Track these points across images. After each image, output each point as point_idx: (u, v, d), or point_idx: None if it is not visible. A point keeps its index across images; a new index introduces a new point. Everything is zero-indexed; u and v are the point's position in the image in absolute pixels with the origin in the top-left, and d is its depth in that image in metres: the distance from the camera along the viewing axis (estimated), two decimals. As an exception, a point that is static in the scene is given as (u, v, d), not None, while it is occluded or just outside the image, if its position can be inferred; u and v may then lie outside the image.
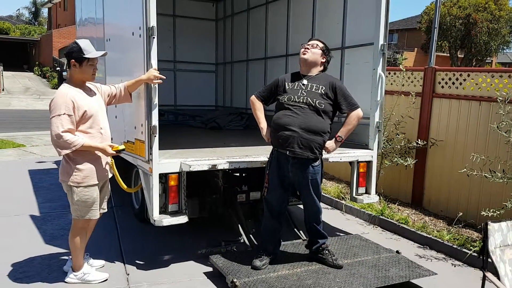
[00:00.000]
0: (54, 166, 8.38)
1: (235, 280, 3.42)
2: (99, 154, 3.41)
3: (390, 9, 4.63)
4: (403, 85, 6.17)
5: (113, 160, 3.65)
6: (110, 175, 3.63)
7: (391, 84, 6.38)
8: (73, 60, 3.32)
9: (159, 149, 3.78)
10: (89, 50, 3.31)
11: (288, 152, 3.57)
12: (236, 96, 8.19)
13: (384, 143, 5.73)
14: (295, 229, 4.65)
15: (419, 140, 5.78)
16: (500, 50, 30.13)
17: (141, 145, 3.84)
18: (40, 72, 32.76)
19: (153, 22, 3.58)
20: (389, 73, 6.40)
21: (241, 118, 7.45)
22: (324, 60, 3.79)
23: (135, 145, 4.01)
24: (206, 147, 4.77)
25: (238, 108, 7.91)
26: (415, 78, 6.09)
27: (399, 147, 5.95)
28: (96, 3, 5.25)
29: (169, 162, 3.81)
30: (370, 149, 4.73)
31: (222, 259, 3.85)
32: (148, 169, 3.80)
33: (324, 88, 3.64)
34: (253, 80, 7.57)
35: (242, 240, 4.36)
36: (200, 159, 3.92)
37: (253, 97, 3.91)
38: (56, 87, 26.72)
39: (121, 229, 5.00)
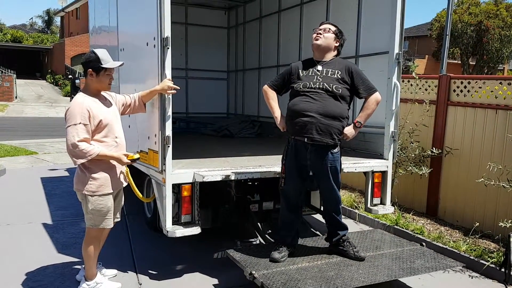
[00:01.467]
0: (66, 173, 8.42)
1: (253, 272, 3.33)
2: (114, 163, 3.41)
3: (405, 17, 4.60)
4: (416, 92, 6.10)
5: (128, 169, 3.64)
6: (124, 184, 3.62)
7: (405, 92, 6.31)
8: (91, 70, 3.33)
9: (172, 158, 3.77)
10: (107, 60, 3.32)
11: (306, 139, 3.46)
12: (248, 104, 8.17)
13: (398, 151, 5.66)
14: (312, 229, 4.56)
15: (434, 148, 5.70)
16: (513, 57, 29.81)
17: (154, 155, 3.83)
18: (52, 80, 33.15)
19: (167, 32, 3.58)
20: (403, 81, 6.33)
21: (253, 126, 7.43)
22: (337, 44, 3.69)
23: (148, 155, 4.00)
24: (219, 157, 4.75)
25: (250, 116, 7.89)
26: (429, 86, 6.02)
27: (413, 155, 5.87)
28: (110, 12, 5.28)
29: (182, 172, 3.79)
30: (385, 159, 4.66)
31: (239, 253, 3.76)
32: (161, 179, 3.79)
33: (340, 73, 3.55)
34: (265, 88, 7.53)
35: (257, 241, 4.30)
36: (214, 169, 3.89)
37: (265, 87, 3.82)
38: (68, 94, 27.01)
39: (133, 237, 4.99)
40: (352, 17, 5.42)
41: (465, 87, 5.52)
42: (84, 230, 3.55)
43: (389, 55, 4.70)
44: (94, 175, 3.31)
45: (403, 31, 4.61)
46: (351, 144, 5.26)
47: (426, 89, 6.05)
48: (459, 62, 28.76)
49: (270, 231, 4.34)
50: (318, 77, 3.54)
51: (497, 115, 5.05)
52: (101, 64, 3.29)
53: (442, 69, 18.98)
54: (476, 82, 5.39)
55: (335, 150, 3.54)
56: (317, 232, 4.47)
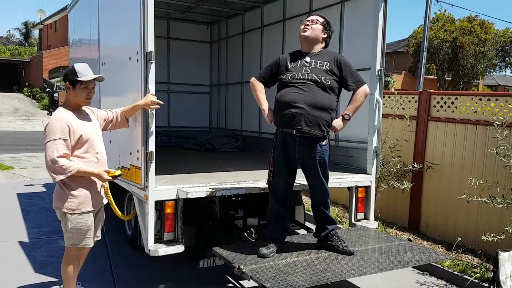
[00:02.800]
0: (43, 189, 8.20)
1: (241, 266, 3.24)
2: (95, 179, 3.32)
3: (386, 34, 4.67)
4: (397, 108, 6.18)
5: (107, 186, 3.55)
6: (105, 202, 3.52)
7: (385, 107, 6.39)
8: (67, 83, 3.27)
9: (155, 173, 3.68)
10: (84, 73, 3.24)
11: (294, 130, 3.41)
12: (231, 118, 8.15)
13: (380, 166, 5.70)
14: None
15: (415, 163, 5.76)
16: (487, 73, 30.68)
17: (136, 172, 3.74)
18: (29, 93, 32.53)
19: (151, 47, 3.54)
20: (383, 96, 6.40)
21: (236, 140, 7.39)
22: (325, 36, 3.66)
23: (130, 171, 3.91)
24: (203, 172, 4.69)
25: (233, 130, 7.85)
26: (409, 102, 6.11)
27: (395, 170, 5.92)
28: (91, 25, 5.21)
29: (165, 189, 3.71)
30: (368, 174, 4.68)
31: (226, 251, 3.65)
32: (143, 196, 3.70)
33: (328, 65, 3.51)
34: (248, 101, 7.54)
35: None
36: (198, 185, 3.83)
37: (252, 79, 3.74)
38: (45, 108, 26.50)
39: (113, 256, 4.85)
40: (334, 33, 5.46)
41: (445, 102, 5.62)
42: (63, 248, 3.43)
43: (371, 71, 4.74)
44: (73, 193, 3.21)
45: (384, 48, 4.68)
46: (334, 159, 5.28)
47: (406, 105, 6.13)
48: (435, 77, 29.42)
49: (256, 236, 4.27)
50: (307, 69, 3.50)
51: (477, 130, 5.14)
52: (77, 77, 3.22)
53: (419, 84, 19.46)
54: (456, 98, 5.49)
55: (324, 143, 3.50)
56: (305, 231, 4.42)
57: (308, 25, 3.61)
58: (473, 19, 27.07)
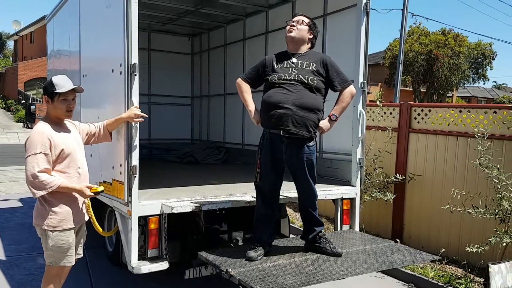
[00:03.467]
0: (20, 204, 7.94)
1: (229, 270, 3.16)
2: (76, 195, 3.21)
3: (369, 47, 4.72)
4: (379, 120, 6.24)
5: (89, 202, 3.44)
6: (86, 218, 3.41)
7: (367, 119, 6.44)
8: (46, 96, 3.18)
9: (138, 187, 3.60)
10: (62, 85, 3.15)
11: (282, 131, 3.38)
12: (213, 130, 8.10)
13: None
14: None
15: (397, 174, 5.81)
16: (461, 85, 31.50)
17: (119, 186, 3.65)
18: (4, 105, 31.73)
19: (135, 59, 3.49)
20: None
21: (219, 152, 7.33)
22: (311, 36, 3.65)
23: (112, 186, 3.81)
24: (187, 185, 4.61)
25: (215, 142, 7.80)
26: (390, 114, 6.19)
27: (378, 181, 5.95)
28: (71, 37, 5.12)
29: (149, 204, 3.62)
30: (353, 185, 4.69)
31: (212, 255, 3.55)
32: (126, 211, 3.61)
33: (315, 65, 3.50)
34: (231, 113, 7.52)
35: None
36: (183, 200, 3.76)
37: (239, 80, 3.69)
38: (21, 120, 25.89)
39: (93, 273, 4.71)
40: (316, 46, 5.47)
41: (425, 114, 5.71)
42: (42, 266, 3.31)
43: (354, 84, 4.75)
44: (54, 209, 3.10)
45: (367, 61, 4.73)
46: (319, 170, 5.26)
47: (388, 117, 6.20)
48: (411, 89, 30.03)
49: (241, 243, 4.21)
50: (293, 69, 3.48)
51: (458, 142, 5.23)
52: (55, 89, 3.13)
53: (396, 96, 19.82)
54: (437, 110, 5.58)
55: (311, 143, 3.48)
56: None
57: (293, 25, 3.61)
58: (447, 32, 27.84)
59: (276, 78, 3.48)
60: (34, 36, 36.26)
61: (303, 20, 3.63)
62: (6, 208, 7.56)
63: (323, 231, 3.71)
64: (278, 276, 3.09)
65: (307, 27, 3.62)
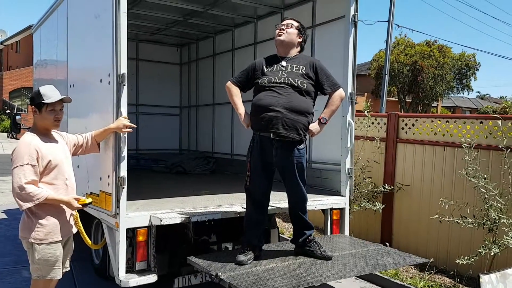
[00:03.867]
0: (4, 216, 7.77)
1: (219, 273, 3.13)
2: (64, 207, 3.15)
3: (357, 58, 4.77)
4: (367, 130, 6.28)
5: (77, 214, 3.38)
6: (74, 231, 3.35)
7: (355, 129, 6.48)
8: (33, 106, 3.13)
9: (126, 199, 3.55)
10: (49, 95, 3.11)
11: (272, 134, 3.38)
12: (202, 140, 8.07)
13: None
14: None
15: (385, 184, 5.83)
16: (445, 95, 31.99)
17: (107, 198, 3.60)
18: (-13, 114, 31.22)
19: (123, 69, 3.47)
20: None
21: (208, 162, 7.29)
22: (300, 40, 3.68)
23: (99, 198, 3.76)
24: (175, 196, 4.57)
25: (203, 152, 7.76)
26: (378, 124, 6.23)
27: (366, 191, 5.97)
28: (58, 46, 5.07)
29: (137, 215, 3.58)
30: (342, 195, 4.70)
31: (202, 260, 3.52)
32: (114, 223, 3.55)
33: (304, 69, 3.52)
34: (220, 123, 7.52)
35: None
36: (172, 211, 3.72)
37: (228, 83, 3.70)
38: (5, 130, 25.47)
39: (80, 286, 4.61)
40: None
41: (413, 124, 5.76)
42: (27, 280, 3.24)
43: (343, 94, 4.81)
44: (41, 221, 3.04)
45: (355, 72, 4.78)
46: (308, 180, 5.27)
47: (376, 127, 6.25)
48: (397, 99, 30.39)
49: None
50: (283, 73, 3.50)
51: (445, 152, 5.28)
52: (42, 100, 3.08)
53: (382, 106, 20.02)
54: (424, 120, 5.63)
55: (301, 146, 3.48)
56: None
57: (283, 29, 3.63)
58: (431, 43, 28.32)
59: (266, 81, 3.50)
60: (20, 45, 35.89)
61: (292, 24, 3.65)
62: (-11, 220, 7.39)
63: (313, 234, 3.72)
64: (269, 279, 3.09)
65: (296, 31, 3.65)
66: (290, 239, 3.90)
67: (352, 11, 4.67)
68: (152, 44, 8.38)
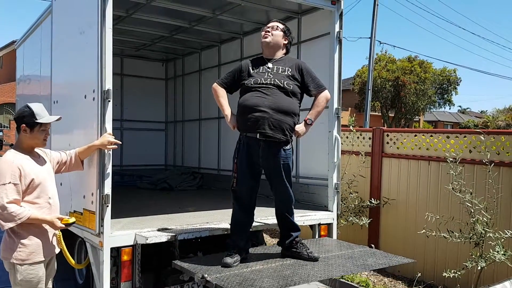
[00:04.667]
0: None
1: (205, 275, 3.08)
2: (46, 227, 3.06)
3: (342, 74, 4.81)
4: (353, 145, 6.32)
5: (61, 233, 3.28)
6: (57, 251, 3.25)
7: (341, 144, 6.50)
8: (24, 125, 3.05)
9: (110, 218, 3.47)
10: (42, 115, 3.06)
11: (258, 134, 3.38)
12: (188, 155, 8.00)
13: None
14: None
15: (372, 199, 5.85)
16: (427, 110, 32.52)
17: (90, 216, 3.52)
18: (-33, 130, 30.56)
19: (108, 85, 3.43)
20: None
21: (194, 177, 7.22)
22: (286, 42, 3.70)
23: (83, 216, 3.67)
24: (161, 213, 4.49)
25: (190, 168, 7.69)
26: (364, 138, 6.28)
27: (353, 206, 5.97)
28: (42, 62, 5.00)
29: (122, 234, 3.50)
30: (330, 211, 4.68)
31: (187, 263, 3.46)
32: (98, 242, 3.46)
33: (290, 70, 3.55)
34: (207, 138, 7.47)
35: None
36: (157, 229, 3.65)
37: (215, 85, 3.69)
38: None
39: (62, 308, 4.47)
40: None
41: (397, 139, 5.81)
42: (7, 304, 3.10)
43: (329, 110, 4.83)
44: (24, 241, 2.95)
45: (341, 87, 4.81)
46: (295, 195, 5.24)
47: (361, 142, 6.29)
48: (380, 114, 30.78)
49: None
50: (269, 74, 3.52)
51: (430, 166, 5.33)
52: (36, 119, 3.02)
53: (366, 121, 20.24)
54: (408, 135, 5.69)
55: (287, 147, 3.49)
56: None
57: (268, 31, 3.65)
58: (413, 59, 28.86)
59: (252, 82, 3.51)
60: (2, 61, 35.40)
61: (277, 26, 3.68)
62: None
63: (299, 236, 3.71)
64: (256, 280, 3.07)
65: (281, 33, 3.68)
66: (277, 241, 3.88)
67: (337, 28, 4.73)
68: (138, 59, 8.33)
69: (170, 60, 8.53)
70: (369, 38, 19.89)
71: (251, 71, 3.58)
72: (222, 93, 3.66)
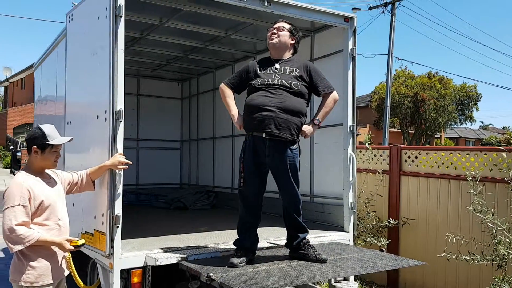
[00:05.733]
0: (1, 254, 7.61)
1: (211, 274, 3.05)
2: (55, 249, 3.04)
3: (356, 90, 4.74)
4: (369, 162, 6.19)
5: (70, 256, 3.25)
6: (66, 273, 3.22)
7: (357, 162, 6.39)
8: (35, 147, 3.05)
9: (121, 238, 3.44)
10: (54, 136, 3.07)
11: (264, 133, 3.36)
12: (202, 174, 7.98)
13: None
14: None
15: (390, 219, 5.68)
16: (448, 126, 32.01)
17: (101, 237, 3.49)
18: (-8, 151, 31.34)
19: (120, 105, 3.43)
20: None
21: (208, 196, 7.18)
22: (293, 42, 3.67)
23: (94, 237, 3.64)
24: (173, 233, 4.45)
25: (204, 186, 7.66)
26: (381, 156, 6.14)
27: (371, 226, 5.81)
28: (58, 83, 5.07)
29: (132, 255, 3.47)
30: (346, 231, 4.56)
31: (194, 264, 3.43)
32: (108, 264, 3.43)
33: (298, 71, 3.53)
34: (220, 157, 7.45)
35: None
36: (168, 250, 3.59)
37: (222, 85, 3.70)
38: (8, 166, 25.48)
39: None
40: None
41: (416, 157, 5.67)
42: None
43: (343, 127, 4.77)
44: (32, 264, 2.93)
45: (355, 104, 4.74)
46: (310, 215, 5.16)
47: (378, 159, 6.16)
48: (399, 130, 30.40)
49: None
50: (276, 75, 3.51)
51: (450, 184, 5.16)
52: (47, 141, 3.03)
53: (384, 138, 20.01)
54: (427, 152, 5.55)
55: (294, 147, 3.47)
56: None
57: (275, 33, 3.63)
58: (432, 75, 28.56)
59: (259, 83, 3.51)
60: (24, 82, 36.43)
61: (284, 27, 3.66)
62: (-14, 259, 7.22)
63: (307, 237, 3.65)
64: (261, 279, 3.04)
65: (288, 33, 3.66)
66: (285, 242, 3.83)
67: (350, 45, 4.68)
68: (153, 79, 8.43)
69: (185, 79, 8.60)
70: (387, 54, 19.80)
71: (258, 72, 3.58)
72: (229, 93, 3.67)
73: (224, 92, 3.68)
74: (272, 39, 3.62)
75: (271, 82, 3.47)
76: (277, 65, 3.58)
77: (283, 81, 3.47)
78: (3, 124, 30.79)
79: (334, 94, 3.65)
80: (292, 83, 3.47)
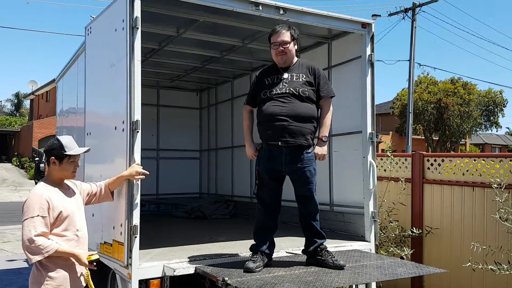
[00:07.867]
0: (25, 265, 7.73)
1: (226, 278, 3.04)
2: (74, 260, 3.05)
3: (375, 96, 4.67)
4: (391, 170, 6.06)
5: (88, 272, 3.22)
6: (84, 284, 3.22)
7: (378, 170, 6.27)
8: (53, 158, 3.09)
9: (140, 248, 3.44)
10: (71, 147, 3.11)
11: (280, 142, 3.40)
12: (221, 183, 7.98)
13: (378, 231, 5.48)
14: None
15: (413, 228, 5.54)
16: (473, 132, 31.29)
17: (119, 248, 3.50)
18: (18, 163, 32.19)
19: (137, 116, 3.46)
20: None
21: (227, 205, 7.18)
22: (296, 47, 3.71)
23: (112, 247, 3.66)
24: (192, 244, 4.44)
25: (223, 196, 7.65)
26: (403, 164, 6.01)
27: (393, 235, 5.68)
28: (78, 95, 5.16)
29: (150, 266, 3.47)
30: (367, 241, 4.46)
31: (211, 267, 3.43)
32: (126, 274, 3.44)
33: (304, 76, 3.58)
34: (239, 166, 7.43)
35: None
36: (186, 261, 3.58)
37: (243, 106, 3.83)
38: (33, 178, 26.08)
39: None
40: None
41: (439, 164, 5.52)
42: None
43: (362, 134, 4.69)
44: (51, 274, 2.94)
45: (374, 111, 4.67)
46: (330, 225, 5.08)
47: (400, 167, 6.03)
48: (423, 137, 29.87)
49: None
50: (284, 83, 3.56)
51: (474, 192, 5.00)
52: (65, 151, 3.07)
53: (408, 145, 19.69)
54: (450, 160, 5.40)
55: (309, 151, 3.52)
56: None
57: (282, 50, 3.60)
58: (456, 80, 28.02)
59: (268, 94, 3.56)
60: (49, 95, 37.39)
61: (287, 41, 3.60)
62: (11, 269, 7.36)
63: (324, 243, 3.62)
64: (276, 284, 3.01)
65: (292, 43, 3.65)
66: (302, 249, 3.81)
67: (368, 51, 4.63)
68: (173, 90, 8.51)
69: (204, 89, 8.66)
70: (408, 60, 19.55)
71: (266, 82, 3.64)
72: (246, 116, 3.81)
73: (244, 115, 3.84)
74: (282, 58, 3.63)
75: (279, 92, 3.53)
76: (285, 75, 3.62)
77: (291, 89, 3.52)
78: (29, 136, 31.62)
79: (330, 104, 3.68)
80: (300, 90, 3.53)
